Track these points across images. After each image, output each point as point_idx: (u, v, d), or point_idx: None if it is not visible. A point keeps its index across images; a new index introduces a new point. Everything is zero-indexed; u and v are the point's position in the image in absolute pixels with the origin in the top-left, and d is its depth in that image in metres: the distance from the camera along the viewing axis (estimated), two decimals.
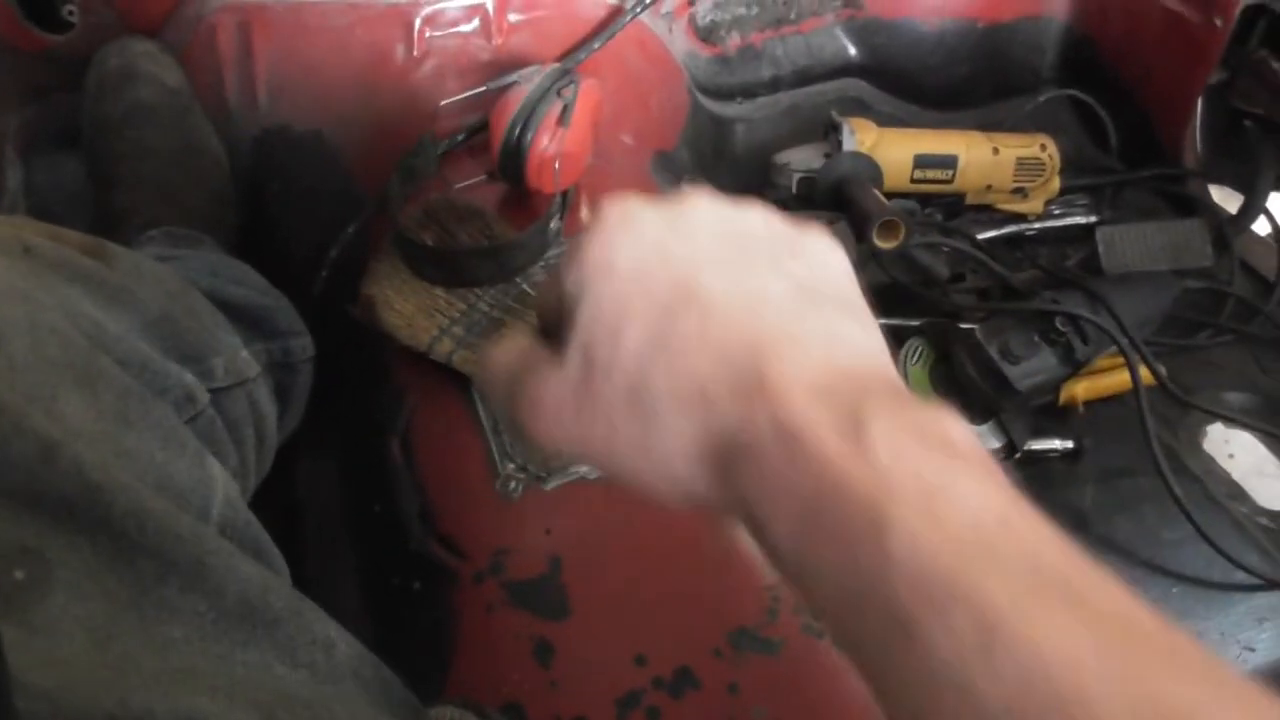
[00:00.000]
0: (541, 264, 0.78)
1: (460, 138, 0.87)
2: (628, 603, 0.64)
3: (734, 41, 1.11)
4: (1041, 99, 1.19)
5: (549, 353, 0.33)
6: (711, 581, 0.66)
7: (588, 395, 0.31)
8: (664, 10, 1.06)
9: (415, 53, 0.91)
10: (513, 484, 0.69)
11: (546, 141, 0.79)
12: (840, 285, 0.35)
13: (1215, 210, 1.10)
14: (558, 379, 0.32)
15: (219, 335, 0.61)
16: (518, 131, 0.79)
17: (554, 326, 0.35)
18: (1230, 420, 0.90)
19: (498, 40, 0.93)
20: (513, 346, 0.35)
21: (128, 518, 0.37)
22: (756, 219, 0.35)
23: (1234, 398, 0.95)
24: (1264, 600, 0.77)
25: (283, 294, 0.74)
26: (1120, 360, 0.83)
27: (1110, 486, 0.85)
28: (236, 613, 0.38)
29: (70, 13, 0.94)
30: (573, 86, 0.80)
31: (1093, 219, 1.10)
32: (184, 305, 0.59)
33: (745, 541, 0.68)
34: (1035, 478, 0.86)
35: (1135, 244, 1.01)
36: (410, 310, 0.75)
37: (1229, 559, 0.77)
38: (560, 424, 0.32)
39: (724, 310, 0.31)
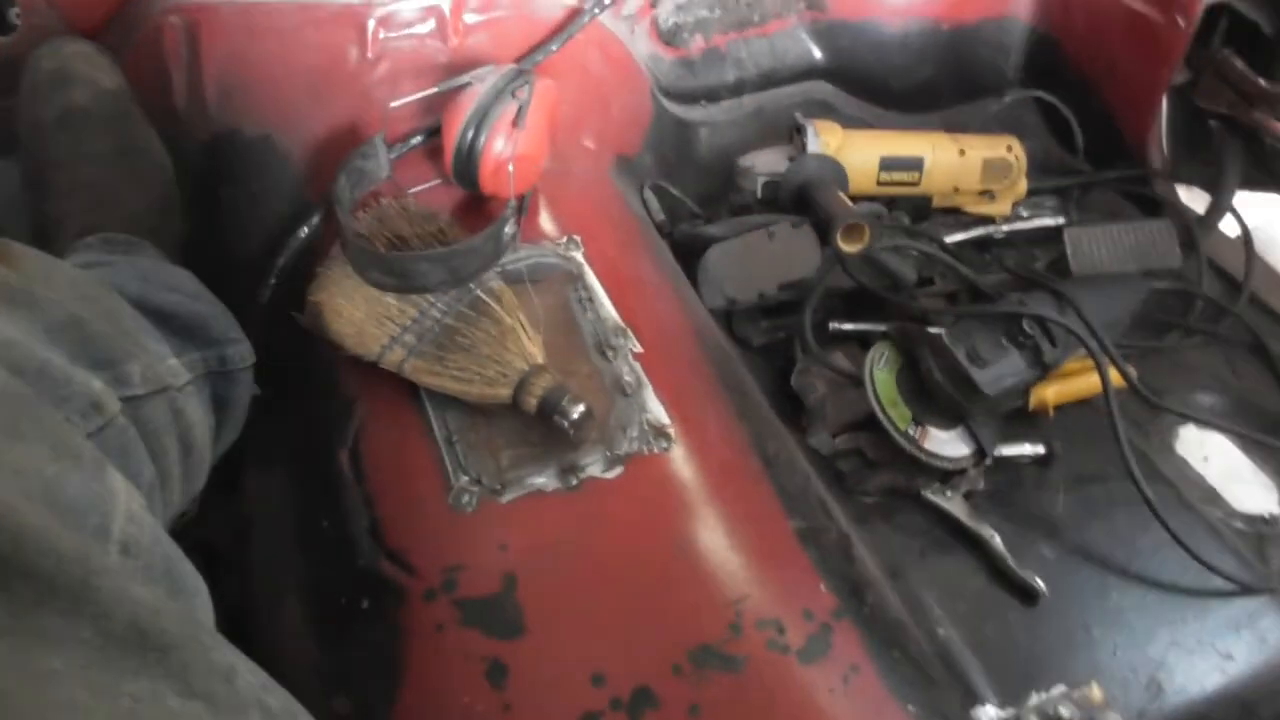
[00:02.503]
0: (497, 270, 0.76)
1: (416, 140, 0.85)
2: (585, 620, 0.62)
3: (697, 44, 1.09)
4: (1007, 100, 1.18)
5: None
6: (672, 596, 0.64)
7: None
8: (625, 12, 1.04)
9: (369, 55, 0.89)
10: (466, 497, 0.67)
11: (501, 144, 0.77)
12: None
13: (1182, 210, 1.09)
14: None
15: (141, 340, 0.58)
16: (471, 134, 0.77)
17: None
18: (1202, 422, 0.89)
19: (454, 42, 0.91)
20: None
21: (2, 537, 0.34)
22: None
23: (1206, 399, 0.94)
24: (1241, 606, 0.76)
25: (219, 300, 0.72)
26: (1090, 363, 0.82)
27: (1082, 492, 0.83)
28: (125, 639, 0.35)
29: (16, 15, 0.91)
30: (527, 87, 0.78)
31: (1060, 220, 1.09)
32: (100, 309, 0.56)
33: (706, 552, 0.66)
34: (1006, 484, 0.84)
35: (1103, 245, 1.00)
36: (359, 318, 0.73)
37: (1204, 564, 0.76)
38: None
39: None
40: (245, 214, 0.88)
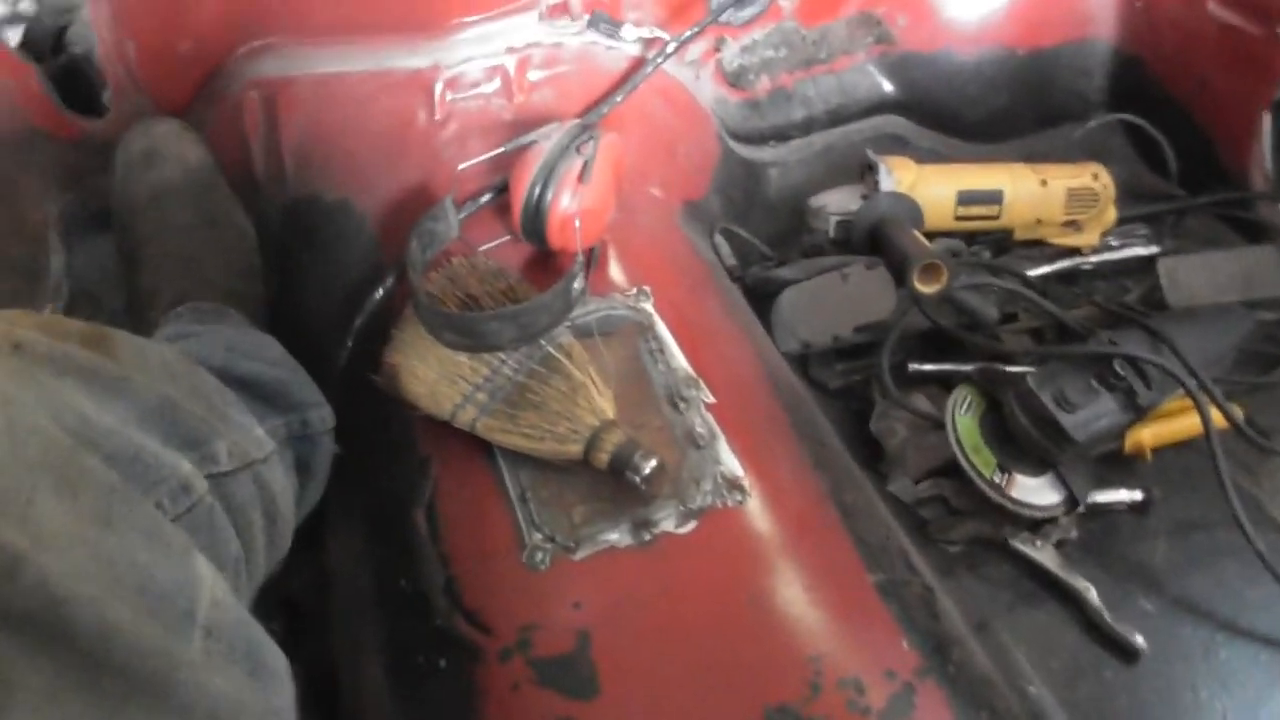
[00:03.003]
0: (566, 324, 0.76)
1: (484, 199, 0.86)
2: (660, 679, 0.61)
3: (763, 85, 1.09)
4: (1091, 125, 1.14)
5: None
6: (748, 654, 0.62)
7: None
8: (690, 58, 1.04)
9: (437, 116, 0.91)
10: (540, 555, 0.67)
11: (567, 200, 0.78)
12: None
13: None
14: None
15: (228, 415, 0.60)
16: (538, 191, 0.78)
17: None
18: None
19: (519, 99, 0.92)
20: None
21: (93, 634, 0.35)
22: None
23: None
24: None
25: (300, 365, 0.74)
26: (1190, 403, 0.77)
27: (1184, 541, 0.79)
28: None
29: (108, 99, 0.96)
30: (592, 143, 0.79)
31: (1154, 250, 1.04)
32: (189, 387, 0.58)
33: (783, 608, 0.64)
34: (1101, 532, 0.80)
35: (1201, 275, 0.95)
36: (433, 378, 0.74)
37: None
38: None
39: None
40: (324, 277, 0.90)
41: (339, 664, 0.76)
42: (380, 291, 0.84)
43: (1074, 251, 1.04)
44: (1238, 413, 0.82)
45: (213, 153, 0.94)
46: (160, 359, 0.58)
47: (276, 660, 0.49)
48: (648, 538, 0.67)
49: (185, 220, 0.85)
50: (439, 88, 0.90)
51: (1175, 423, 0.83)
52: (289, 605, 0.83)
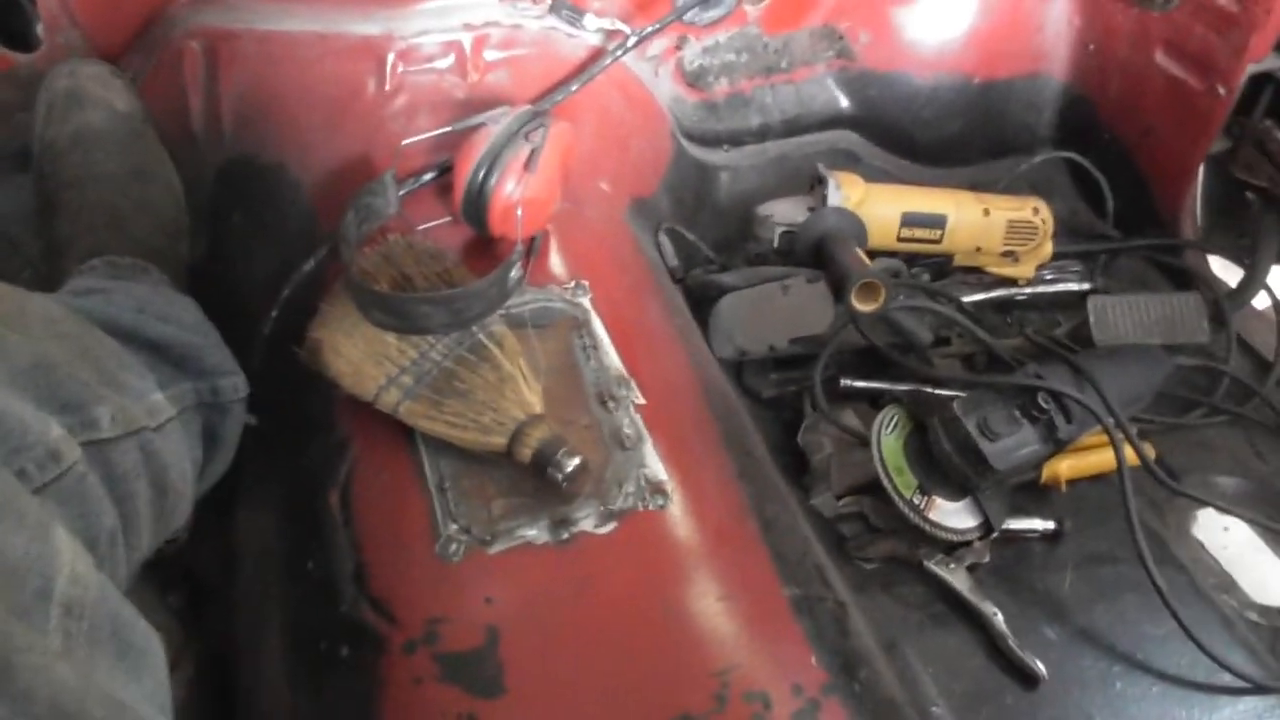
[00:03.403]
0: (501, 313, 0.75)
1: (426, 177, 0.84)
2: (567, 681, 0.60)
3: (722, 88, 1.08)
4: (1037, 159, 1.16)
5: None
6: (657, 662, 0.62)
7: None
8: (650, 53, 1.03)
9: (387, 87, 0.88)
10: (454, 546, 0.65)
11: (511, 187, 0.76)
12: None
13: (1213, 284, 1.06)
14: None
15: (120, 379, 0.57)
16: (481, 175, 0.76)
17: None
18: (1220, 509, 0.86)
19: (473, 78, 0.90)
20: None
21: None
22: None
23: (1227, 482, 0.91)
24: (1250, 705, 0.73)
25: (216, 330, 0.71)
26: (1107, 439, 0.79)
27: (1091, 573, 0.81)
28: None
29: (41, 32, 0.92)
30: (541, 130, 0.77)
31: (1085, 286, 1.06)
32: (76, 348, 0.55)
33: (696, 618, 0.64)
34: (1012, 559, 0.82)
35: (1128, 315, 0.97)
36: (358, 356, 0.72)
37: (1214, 659, 0.73)
38: None
39: None
40: (254, 242, 0.87)
41: (239, 643, 0.74)
42: (311, 263, 0.81)
43: (1010, 281, 1.06)
44: (1150, 452, 0.84)
45: (144, 102, 0.90)
46: (44, 316, 0.55)
47: (147, 641, 0.47)
48: (566, 536, 0.66)
49: (109, 169, 0.81)
50: (391, 58, 0.88)
51: (1091, 457, 0.85)
52: (192, 578, 0.80)
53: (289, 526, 0.72)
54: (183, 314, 0.69)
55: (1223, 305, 1.02)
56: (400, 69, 0.88)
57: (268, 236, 0.87)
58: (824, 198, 0.97)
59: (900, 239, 1.01)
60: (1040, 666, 0.73)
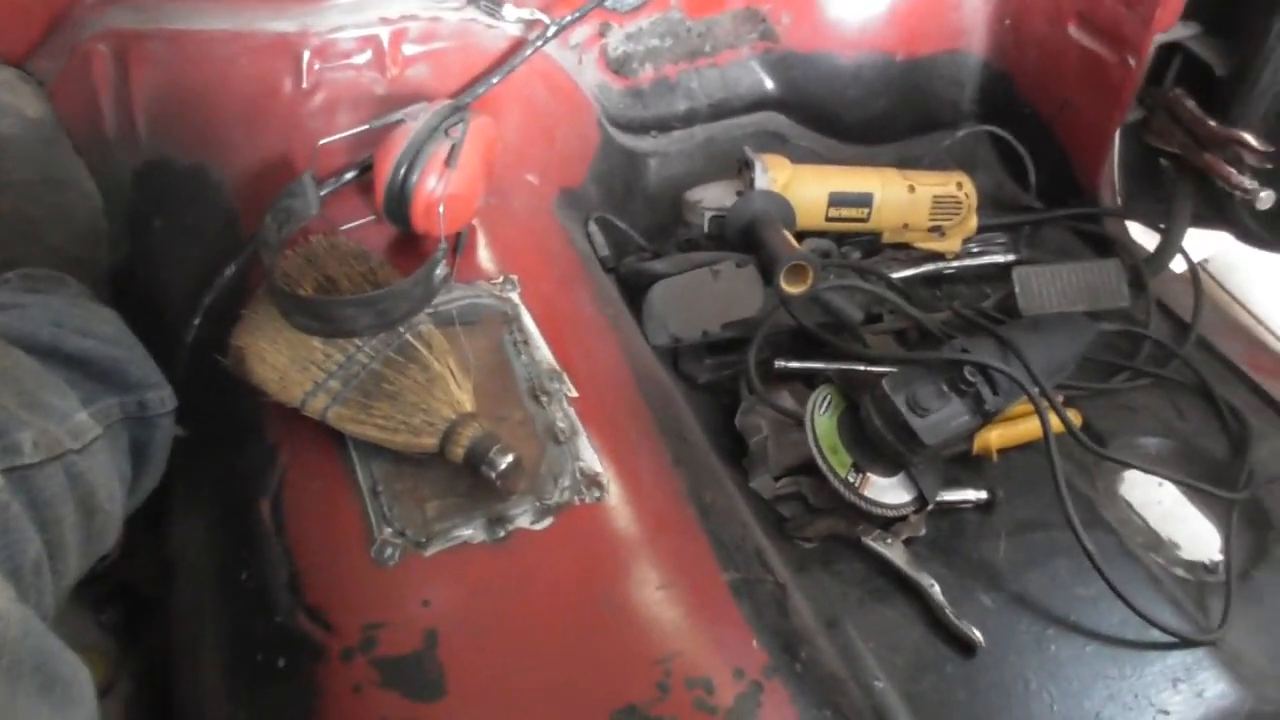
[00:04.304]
0: (428, 311, 0.74)
1: (347, 176, 0.83)
2: (507, 681, 0.60)
3: (647, 74, 1.08)
4: (960, 134, 1.18)
5: None
6: (599, 654, 0.62)
7: None
8: (573, 42, 1.03)
9: (304, 85, 0.87)
10: (389, 550, 0.65)
11: (433, 183, 0.75)
12: None
13: (1132, 250, 1.09)
14: None
15: (42, 400, 0.56)
16: (402, 173, 0.75)
17: None
18: (1144, 470, 0.88)
19: (393, 73, 0.89)
20: None
21: None
22: None
23: (1151, 443, 0.94)
24: (1178, 659, 0.75)
25: (140, 342, 0.69)
26: (1034, 407, 0.81)
27: (1023, 539, 0.83)
28: None
29: None
30: (462, 125, 0.77)
31: (1011, 258, 1.08)
32: None
33: (636, 608, 0.64)
34: (948, 530, 0.83)
35: (1052, 284, 1.00)
36: (283, 363, 0.71)
37: (1143, 616, 0.75)
38: None
39: None
40: (177, 246, 0.85)
41: (176, 656, 0.73)
42: (233, 267, 0.80)
43: (938, 256, 1.07)
44: (1076, 419, 0.86)
45: (55, 107, 0.87)
46: None
47: (74, 671, 0.46)
48: (502, 534, 0.66)
49: (20, 178, 0.79)
50: (306, 55, 0.86)
51: (1020, 426, 0.87)
52: (128, 592, 0.78)
53: (221, 537, 0.71)
54: (104, 326, 0.67)
55: (1142, 270, 1.05)
56: (317, 66, 0.87)
57: (189, 241, 0.85)
58: (751, 181, 0.97)
59: (829, 219, 1.02)
60: (977, 634, 0.75)
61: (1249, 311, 1.36)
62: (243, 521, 0.69)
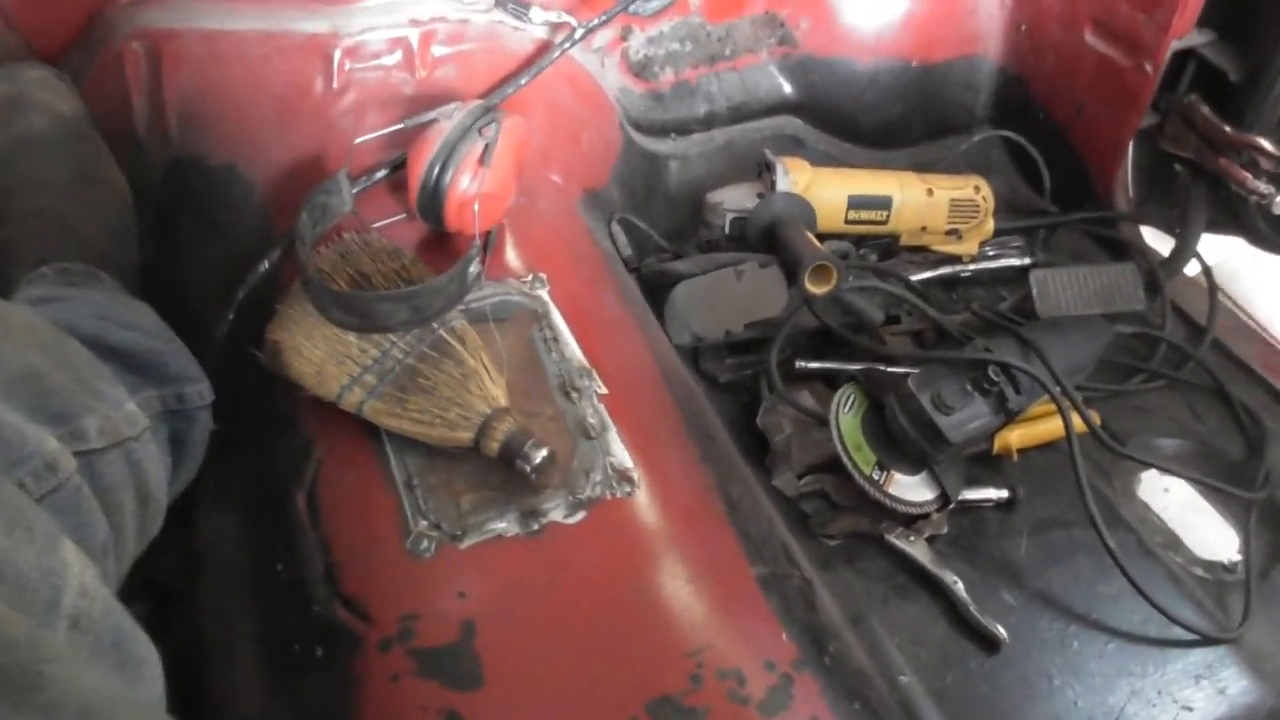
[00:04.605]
0: (461, 308, 0.75)
1: (380, 174, 0.84)
2: (543, 671, 0.61)
3: (668, 77, 1.09)
4: (976, 139, 1.19)
5: None
6: (632, 646, 0.63)
7: None
8: (596, 45, 1.04)
9: (335, 85, 0.88)
10: (425, 542, 0.66)
11: (467, 182, 0.76)
12: None
13: (1147, 253, 1.10)
14: None
15: (98, 389, 0.57)
16: (436, 171, 0.76)
17: None
18: (1163, 469, 0.89)
19: (421, 74, 0.90)
20: None
21: None
22: None
23: (1168, 444, 0.95)
24: (1200, 656, 0.76)
25: (177, 336, 0.70)
26: (1054, 408, 0.82)
27: (1045, 537, 0.83)
28: None
29: None
30: (494, 125, 0.78)
31: (1027, 261, 1.09)
32: (58, 358, 0.55)
33: (668, 600, 0.65)
34: (969, 528, 0.84)
35: (1068, 288, 1.00)
36: (319, 357, 0.72)
37: (1165, 614, 0.76)
38: None
39: None
40: (206, 244, 0.86)
41: (208, 651, 0.73)
42: (266, 264, 0.81)
43: (955, 259, 1.08)
44: (1095, 418, 0.87)
45: (87, 105, 0.88)
46: (26, 325, 0.54)
47: (146, 651, 0.47)
48: (536, 527, 0.66)
49: (55, 175, 0.80)
50: (337, 55, 0.87)
51: (1040, 426, 0.88)
52: (155, 586, 0.79)
53: (255, 530, 0.71)
54: (143, 320, 0.68)
55: (1157, 274, 1.06)
56: (348, 66, 0.88)
57: (219, 238, 0.86)
58: (773, 183, 0.98)
59: (848, 221, 1.03)
60: (1001, 630, 0.76)
61: (1252, 317, 1.37)
62: (277, 514, 0.69)
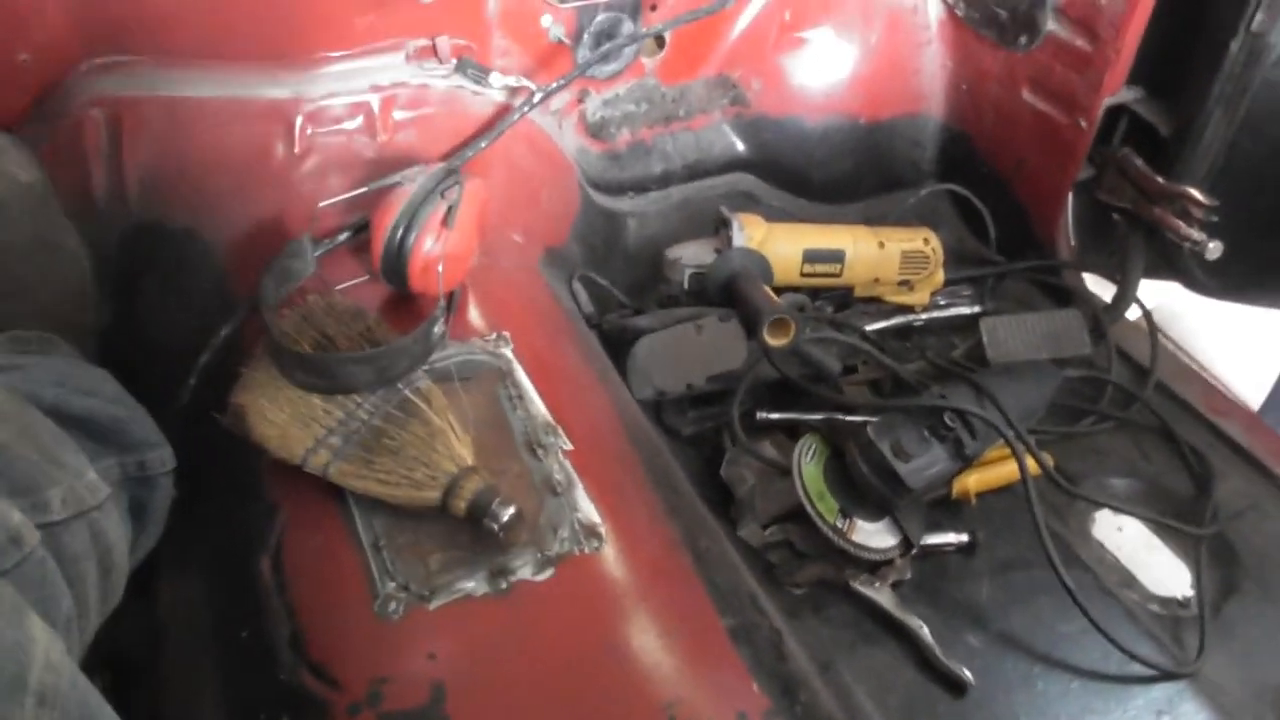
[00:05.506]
0: (425, 368, 0.76)
1: (343, 237, 0.84)
2: None
3: (624, 138, 1.12)
4: (923, 193, 1.23)
5: None
6: (605, 702, 0.62)
7: None
8: (554, 108, 1.06)
9: (296, 150, 0.89)
10: (393, 604, 0.65)
11: (430, 243, 0.77)
12: None
13: (1090, 300, 1.14)
14: None
15: (61, 458, 0.56)
16: (400, 233, 0.77)
17: None
18: (1116, 509, 0.92)
19: (383, 138, 0.92)
20: None
21: None
22: None
23: (1119, 483, 0.97)
24: (1160, 692, 0.78)
25: (139, 403, 0.70)
26: (1009, 451, 0.84)
27: (1005, 579, 0.85)
28: None
29: None
30: (457, 188, 0.79)
31: (977, 309, 1.12)
32: (18, 428, 0.54)
33: (639, 655, 0.65)
34: (932, 573, 0.85)
35: (1017, 334, 1.04)
36: (284, 420, 0.71)
37: (1124, 651, 0.78)
38: None
39: None
40: (167, 309, 0.86)
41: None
42: (228, 327, 0.81)
43: (907, 309, 1.11)
44: (1049, 460, 0.90)
45: (47, 171, 0.88)
46: None
47: None
48: (505, 586, 0.66)
49: (12, 239, 0.79)
50: (299, 121, 0.89)
51: (996, 470, 0.90)
52: (115, 658, 0.77)
53: (219, 596, 0.70)
54: (103, 386, 0.68)
55: (1101, 319, 1.10)
56: (309, 131, 0.89)
57: (180, 302, 0.86)
58: (729, 239, 1.01)
59: (803, 274, 1.06)
60: (967, 674, 0.77)
61: (1193, 358, 1.42)
62: (242, 579, 0.69)
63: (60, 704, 0.42)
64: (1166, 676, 0.78)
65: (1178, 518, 0.92)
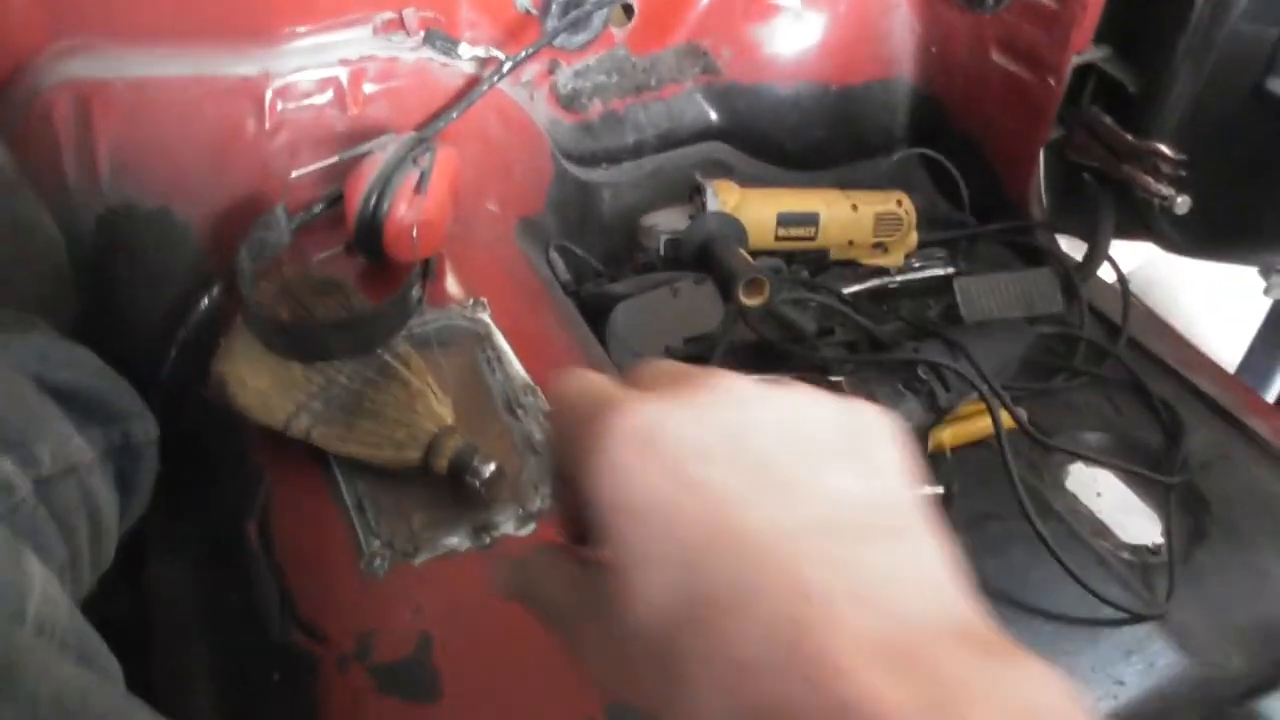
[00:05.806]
0: (404, 334, 0.77)
1: (318, 208, 0.85)
2: (501, 680, 0.62)
3: (596, 108, 1.12)
4: (895, 157, 1.24)
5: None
6: None
7: (615, 647, 0.30)
8: (524, 79, 1.07)
9: (267, 125, 0.89)
10: (378, 561, 0.66)
11: (404, 210, 0.78)
12: (901, 498, 0.31)
13: (1062, 259, 1.15)
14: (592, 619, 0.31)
15: (48, 422, 0.57)
16: (373, 201, 0.78)
17: (580, 536, 0.33)
18: (1088, 460, 0.93)
19: (353, 111, 0.92)
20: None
21: None
22: (802, 419, 0.31)
23: (1092, 437, 0.99)
24: (1130, 634, 0.79)
25: (121, 375, 0.70)
26: (984, 407, 0.86)
27: (980, 530, 0.86)
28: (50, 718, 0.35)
29: None
30: (429, 154, 0.80)
31: (950, 270, 1.14)
32: (5, 390, 0.55)
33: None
34: None
35: (991, 294, 1.05)
36: (265, 387, 0.72)
37: (1094, 594, 0.79)
38: (593, 663, 0.32)
39: (763, 557, 0.27)
40: (144, 287, 0.86)
41: (162, 690, 0.73)
42: (206, 301, 0.81)
43: (882, 271, 1.12)
44: (1023, 414, 0.91)
45: (16, 157, 0.88)
46: None
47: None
48: (488, 541, 0.68)
49: None
50: (269, 96, 0.89)
51: (971, 424, 0.92)
52: (104, 631, 0.78)
53: (208, 564, 0.72)
54: (86, 360, 0.69)
55: (1073, 278, 1.11)
56: (279, 106, 0.89)
57: (156, 281, 0.86)
58: (703, 204, 1.02)
59: (778, 238, 1.07)
60: None
61: (1170, 321, 1.44)
62: (228, 546, 0.70)
63: (58, 633, 0.43)
64: (1136, 619, 0.80)
65: (1150, 469, 0.93)
